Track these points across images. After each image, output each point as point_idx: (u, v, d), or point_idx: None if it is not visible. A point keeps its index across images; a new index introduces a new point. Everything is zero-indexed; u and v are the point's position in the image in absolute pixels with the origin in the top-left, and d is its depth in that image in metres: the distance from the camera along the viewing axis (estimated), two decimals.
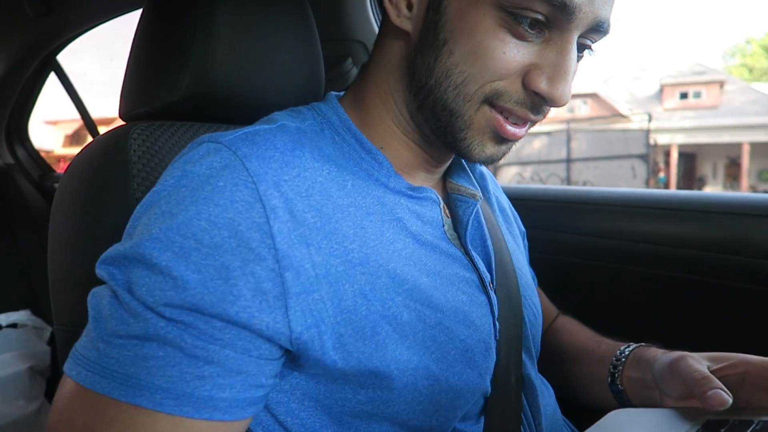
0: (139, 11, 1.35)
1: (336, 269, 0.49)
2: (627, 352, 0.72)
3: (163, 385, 0.42)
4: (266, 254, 0.45)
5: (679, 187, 17.15)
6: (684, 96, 18.44)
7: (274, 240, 0.46)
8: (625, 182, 12.88)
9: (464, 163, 0.70)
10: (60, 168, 2.27)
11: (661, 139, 16.70)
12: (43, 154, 2.20)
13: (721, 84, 18.11)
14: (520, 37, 0.50)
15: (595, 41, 0.55)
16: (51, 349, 1.69)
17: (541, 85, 0.51)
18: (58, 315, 0.64)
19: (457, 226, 0.62)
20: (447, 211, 0.63)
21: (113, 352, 0.43)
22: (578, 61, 0.55)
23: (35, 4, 1.35)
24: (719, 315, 1.00)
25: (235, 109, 0.72)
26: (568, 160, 13.62)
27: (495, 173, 14.93)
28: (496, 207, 0.77)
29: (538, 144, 14.39)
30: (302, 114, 0.60)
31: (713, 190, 17.75)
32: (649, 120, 13.60)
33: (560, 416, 0.72)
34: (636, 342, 0.74)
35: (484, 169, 0.81)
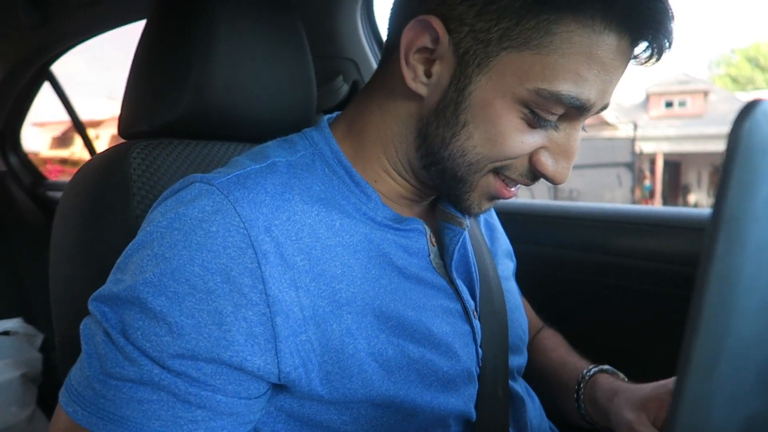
0: (132, 24, 1.37)
1: (323, 310, 0.50)
2: (587, 377, 0.75)
3: (157, 428, 0.45)
4: (258, 299, 0.47)
5: (664, 195, 17.30)
6: (669, 105, 18.64)
7: (265, 285, 0.47)
8: (610, 190, 12.99)
9: None
10: (46, 170, 2.27)
11: (647, 148, 16.85)
12: (30, 156, 2.21)
13: (706, 93, 18.33)
14: (536, 127, 0.53)
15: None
16: (43, 357, 1.70)
17: (548, 166, 0.55)
18: (60, 327, 0.66)
19: (444, 254, 0.64)
20: (434, 239, 0.64)
21: (109, 393, 0.45)
22: None
23: (32, 15, 1.37)
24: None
25: (231, 127, 0.74)
26: None
27: None
28: (484, 230, 0.79)
29: None
30: (294, 145, 0.61)
31: (698, 198, 17.94)
32: (635, 128, 13.75)
33: (546, 424, 0.75)
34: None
35: None
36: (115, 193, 0.65)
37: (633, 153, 13.28)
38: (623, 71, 0.53)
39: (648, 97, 19.18)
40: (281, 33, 0.76)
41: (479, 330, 0.64)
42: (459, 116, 0.53)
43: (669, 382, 0.65)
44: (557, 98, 0.50)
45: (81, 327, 0.49)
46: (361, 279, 0.54)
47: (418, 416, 0.55)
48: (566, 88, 0.50)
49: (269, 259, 0.48)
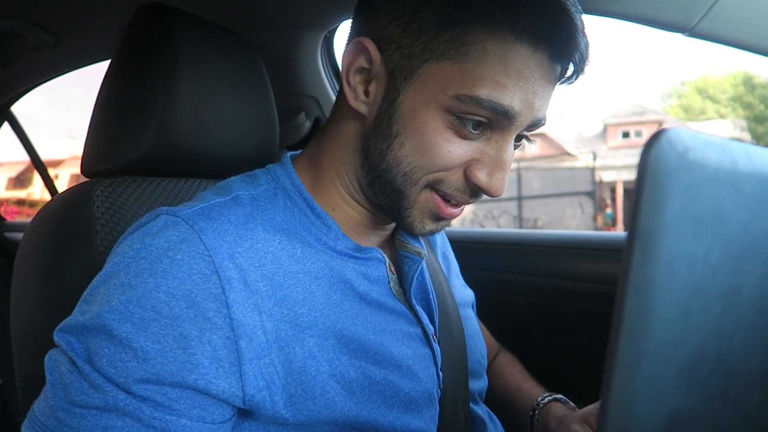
0: (93, 65, 1.38)
1: (286, 333, 0.52)
2: (541, 405, 0.79)
3: None
4: (222, 323, 0.48)
5: (625, 223, 17.70)
6: (626, 135, 19.28)
7: (229, 309, 0.49)
8: (573, 219, 13.28)
9: None
10: (2, 211, 2.22)
11: (607, 176, 17.32)
12: None
13: (660, 123, 19.05)
14: (464, 136, 0.56)
15: (532, 131, 0.61)
16: (0, 402, 1.64)
17: (481, 178, 0.57)
18: (21, 366, 0.65)
19: (403, 282, 0.66)
20: (393, 268, 0.67)
21: (73, 421, 0.45)
22: (515, 149, 0.61)
23: None
24: None
25: (195, 164, 0.76)
26: (519, 198, 13.98)
27: None
28: (441, 261, 0.82)
29: None
30: (257, 179, 0.63)
31: None
32: (594, 158, 14.16)
33: None
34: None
35: None
36: (78, 230, 0.65)
37: (594, 182, 13.64)
38: (549, 85, 0.56)
39: (606, 128, 19.81)
40: (243, 72, 0.79)
41: (439, 354, 0.66)
42: (392, 128, 0.57)
43: None
44: (477, 102, 0.53)
45: (45, 359, 0.50)
46: (322, 304, 0.56)
47: None
48: (485, 93, 0.53)
49: (233, 285, 0.50)
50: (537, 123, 0.58)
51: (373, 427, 0.55)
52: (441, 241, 0.88)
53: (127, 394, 0.46)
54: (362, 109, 0.59)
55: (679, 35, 0.82)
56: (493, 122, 0.56)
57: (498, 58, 0.52)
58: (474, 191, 0.59)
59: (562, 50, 0.54)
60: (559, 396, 0.81)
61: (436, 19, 0.53)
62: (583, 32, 0.55)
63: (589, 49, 0.56)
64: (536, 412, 0.78)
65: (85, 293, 0.52)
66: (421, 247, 0.69)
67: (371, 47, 0.57)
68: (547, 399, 0.79)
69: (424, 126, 0.55)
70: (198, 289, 0.48)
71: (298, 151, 0.70)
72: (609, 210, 17.20)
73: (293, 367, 0.52)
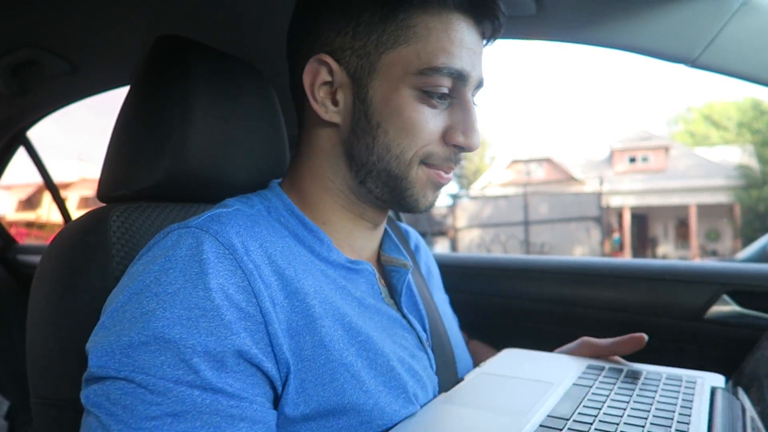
0: (110, 91, 1.41)
1: (297, 324, 0.55)
2: None
3: None
4: (254, 312, 0.52)
5: (633, 248, 17.63)
6: (633, 160, 19.30)
7: (257, 299, 0.53)
8: (580, 243, 13.22)
9: (394, 239, 0.78)
10: (12, 233, 2.24)
11: (614, 202, 17.31)
12: None
13: (667, 149, 19.08)
14: (433, 107, 0.62)
15: (476, 95, 0.68)
16: (8, 425, 1.64)
17: (460, 139, 0.63)
18: (35, 388, 0.66)
19: (393, 293, 0.71)
20: (382, 281, 0.71)
21: None
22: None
23: (10, 86, 1.39)
24: None
25: (208, 191, 0.77)
26: (527, 223, 13.95)
27: (456, 236, 15.02)
28: (425, 275, 0.87)
29: (497, 207, 14.74)
30: (250, 200, 0.67)
31: (665, 249, 18.33)
32: (601, 183, 14.16)
33: None
34: None
35: (419, 242, 0.92)
36: (95, 255, 0.66)
37: (600, 207, 13.62)
38: (480, 46, 0.65)
39: (612, 153, 19.84)
40: (255, 101, 0.81)
41: (433, 359, 0.69)
42: (371, 121, 0.63)
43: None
44: (438, 71, 0.60)
45: (83, 398, 0.49)
46: (330, 298, 0.59)
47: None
48: (441, 62, 0.60)
49: (255, 277, 0.54)
50: (480, 84, 0.66)
51: (379, 415, 0.57)
52: (425, 254, 0.93)
53: (201, 390, 0.47)
54: (335, 118, 0.64)
55: (682, 66, 0.84)
56: (452, 90, 0.63)
57: (440, 32, 0.60)
58: (456, 156, 0.65)
59: (486, 12, 0.63)
60: None
61: (378, 16, 0.61)
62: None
63: (503, 7, 0.64)
64: None
65: (108, 317, 0.52)
66: (405, 259, 0.73)
67: (330, 60, 0.62)
68: None
69: (399, 108, 0.61)
70: (228, 283, 0.52)
71: (279, 180, 0.74)
72: (616, 235, 17.15)
73: (303, 354, 0.55)
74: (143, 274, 0.52)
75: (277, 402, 0.54)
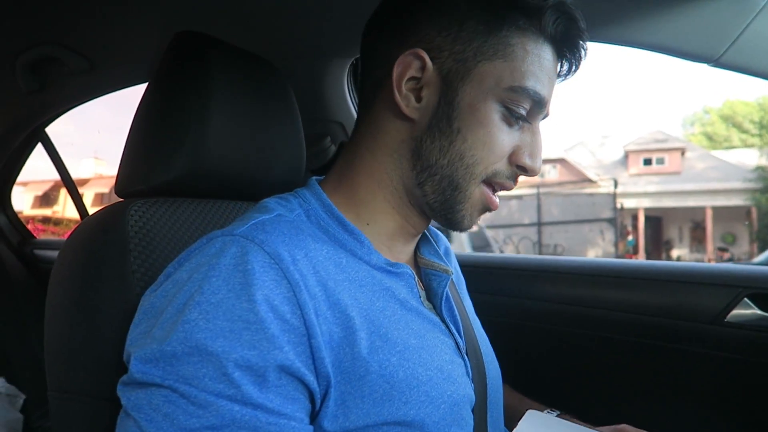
0: (126, 89, 1.42)
1: (338, 336, 0.54)
2: None
3: None
4: (298, 324, 0.51)
5: (647, 250, 17.48)
6: (648, 162, 19.12)
7: (302, 311, 0.52)
8: (594, 245, 13.13)
9: (432, 242, 0.78)
10: (30, 229, 2.27)
11: (628, 203, 17.16)
12: None
13: (683, 151, 18.88)
14: (509, 125, 0.64)
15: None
16: (24, 418, 1.66)
17: (526, 161, 0.65)
18: (53, 382, 0.67)
19: (431, 297, 0.70)
20: (421, 284, 0.70)
21: None
22: None
23: (29, 83, 1.41)
24: (665, 376, 1.06)
25: (225, 187, 0.78)
26: (539, 224, 13.89)
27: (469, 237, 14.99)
28: (455, 280, 0.86)
29: (510, 208, 14.68)
30: (289, 203, 0.66)
31: (680, 252, 18.15)
32: (615, 185, 14.05)
33: None
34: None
35: (447, 246, 0.91)
36: (112, 249, 0.66)
37: (615, 209, 13.52)
38: (555, 80, 0.67)
39: (627, 155, 19.68)
40: (273, 99, 0.81)
41: (469, 366, 0.68)
42: (453, 124, 0.63)
43: (610, 428, 0.75)
44: (526, 93, 0.62)
45: (124, 400, 0.50)
46: (368, 309, 0.58)
47: None
48: (530, 84, 0.62)
49: (300, 288, 0.53)
50: (547, 114, 0.68)
51: (420, 425, 0.56)
52: (453, 259, 0.92)
53: (241, 404, 0.47)
54: (414, 114, 0.64)
55: (704, 65, 0.83)
56: (528, 113, 0.64)
57: (534, 56, 0.62)
58: (516, 176, 0.67)
59: (571, 51, 0.65)
60: (554, 410, 0.84)
61: (483, 27, 0.62)
62: (586, 36, 0.65)
63: (586, 54, 0.67)
64: None
65: (151, 322, 0.52)
66: (446, 264, 0.72)
67: (425, 56, 0.62)
68: (555, 414, 0.83)
69: (484, 118, 0.62)
70: (273, 294, 0.51)
71: (321, 177, 0.73)
72: (630, 237, 17.00)
73: (343, 367, 0.54)
74: (188, 284, 0.52)
75: (314, 416, 0.53)
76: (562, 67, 0.67)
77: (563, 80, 0.69)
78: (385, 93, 0.65)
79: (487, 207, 0.67)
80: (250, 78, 0.78)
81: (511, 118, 0.63)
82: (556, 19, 0.62)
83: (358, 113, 0.72)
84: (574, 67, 0.67)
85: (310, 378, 0.51)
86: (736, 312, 1.02)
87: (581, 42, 0.65)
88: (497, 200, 0.67)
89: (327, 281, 0.57)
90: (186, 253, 0.58)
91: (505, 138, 0.63)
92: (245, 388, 0.47)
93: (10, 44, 1.28)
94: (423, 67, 0.63)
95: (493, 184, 0.66)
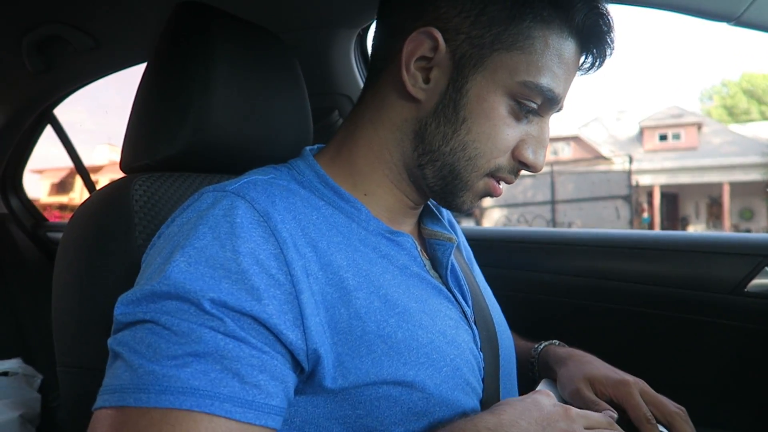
0: (134, 67, 1.41)
1: (332, 296, 0.54)
2: (539, 350, 0.86)
3: (228, 394, 0.45)
4: (284, 280, 0.51)
5: (663, 227, 17.33)
6: (663, 138, 18.88)
7: (289, 267, 0.51)
8: (609, 223, 13.04)
9: (434, 210, 0.76)
10: (45, 216, 2.29)
11: (644, 180, 16.99)
12: None
13: (699, 126, 18.59)
14: (517, 119, 0.61)
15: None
16: (41, 397, 1.69)
17: (529, 156, 0.63)
18: (61, 356, 0.67)
19: (437, 266, 0.68)
20: (424, 253, 0.69)
21: (170, 371, 0.45)
22: None
23: (35, 63, 1.40)
24: (684, 347, 1.05)
25: (230, 161, 0.77)
26: (553, 202, 13.80)
27: (482, 215, 14.94)
28: (462, 250, 0.84)
29: (523, 186, 14.60)
30: (282, 172, 0.65)
31: (697, 229, 17.98)
32: (630, 161, 13.90)
33: None
34: None
35: (450, 217, 0.89)
36: (117, 223, 0.66)
37: (630, 186, 13.39)
38: (575, 74, 0.65)
39: (642, 131, 19.43)
40: (278, 71, 0.79)
41: (478, 336, 0.67)
42: (459, 113, 0.61)
43: (615, 375, 0.74)
44: (539, 90, 0.60)
45: (109, 342, 0.50)
46: (366, 271, 0.58)
47: (428, 405, 0.56)
48: (545, 81, 0.59)
49: (288, 246, 0.53)
50: (561, 108, 0.66)
51: (420, 387, 0.55)
52: (458, 230, 0.90)
53: (223, 335, 0.46)
54: (420, 95, 0.62)
55: (724, 25, 0.79)
56: (540, 107, 0.62)
57: (555, 51, 0.60)
58: (518, 170, 0.65)
59: (598, 47, 0.63)
60: (554, 341, 0.86)
61: (506, 14, 0.58)
62: (614, 32, 0.63)
63: (612, 51, 0.64)
64: (535, 358, 0.84)
65: (143, 268, 0.54)
66: (450, 233, 0.71)
67: (439, 36, 0.60)
68: (543, 345, 0.86)
69: (491, 111, 0.60)
70: (260, 249, 0.51)
71: (316, 146, 0.72)
72: (646, 214, 16.86)
73: (339, 327, 0.53)
74: (177, 236, 0.53)
75: (311, 375, 0.53)
76: (585, 60, 0.64)
77: (584, 74, 0.66)
78: (394, 67, 0.63)
79: (490, 194, 0.66)
80: (254, 49, 0.76)
81: (520, 112, 0.61)
82: (586, 13, 0.59)
83: (365, 81, 0.70)
84: (598, 63, 0.64)
85: (292, 336, 0.50)
86: (756, 282, 1.00)
87: (609, 38, 0.62)
88: (501, 188, 0.66)
89: (318, 242, 0.56)
90: (178, 210, 0.58)
91: (510, 132, 0.61)
92: (228, 323, 0.47)
93: (15, 25, 1.27)
94: (435, 48, 0.60)
95: (494, 177, 0.64)
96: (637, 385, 0.72)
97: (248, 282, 0.49)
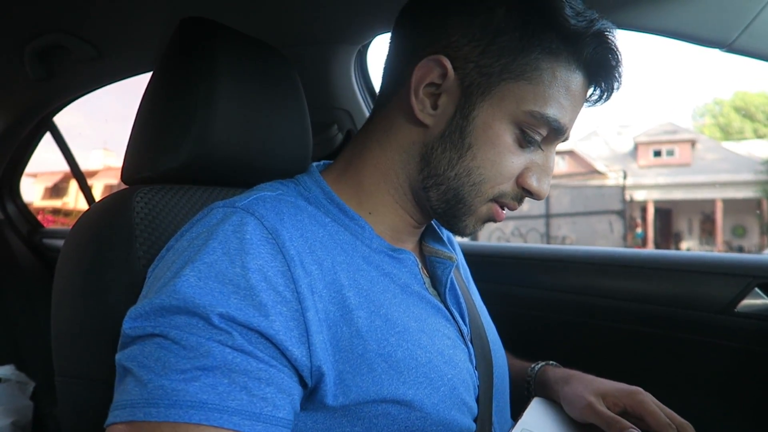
0: (135, 77, 1.42)
1: (334, 315, 0.55)
2: (536, 370, 0.84)
3: (236, 407, 0.46)
4: (291, 297, 0.52)
5: (656, 242, 17.38)
6: (658, 154, 18.97)
7: (296, 285, 0.52)
8: (603, 237, 13.05)
9: (436, 230, 0.78)
10: (40, 221, 2.29)
11: (638, 195, 17.05)
12: None
13: (693, 142, 18.71)
14: (522, 147, 0.63)
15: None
16: (33, 405, 1.68)
17: (533, 184, 0.64)
18: (60, 366, 0.67)
19: (436, 284, 0.70)
20: (425, 271, 0.70)
21: (179, 386, 0.45)
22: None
23: (37, 70, 1.41)
24: (675, 366, 1.06)
25: (231, 174, 0.77)
26: (547, 216, 13.82)
27: None
28: (460, 268, 0.85)
29: None
30: (289, 188, 0.67)
31: (689, 245, 18.03)
32: (625, 177, 13.95)
33: None
34: None
35: (450, 235, 0.90)
36: (118, 235, 0.66)
37: (623, 201, 13.42)
38: (582, 105, 0.66)
39: (636, 146, 19.53)
40: (279, 85, 0.80)
41: (473, 354, 0.68)
42: (465, 139, 0.62)
43: (625, 386, 0.74)
44: (545, 120, 0.61)
45: (117, 357, 0.50)
46: (367, 291, 0.59)
47: (425, 424, 0.57)
48: (552, 112, 0.61)
49: (296, 264, 0.54)
50: (567, 138, 0.67)
51: (419, 407, 0.56)
52: (457, 247, 0.92)
53: (232, 349, 0.47)
54: (428, 120, 0.63)
55: (717, 51, 0.81)
56: (546, 137, 0.63)
57: (563, 83, 0.61)
58: (522, 197, 0.66)
59: (606, 81, 0.64)
60: (550, 362, 0.86)
61: (515, 44, 0.60)
62: (623, 66, 0.64)
63: (620, 84, 0.65)
64: (532, 377, 0.84)
65: (150, 281, 0.54)
66: (451, 252, 0.72)
67: (448, 64, 0.61)
68: (540, 365, 0.86)
69: (497, 139, 0.61)
70: (268, 265, 0.52)
71: (322, 162, 0.74)
72: (639, 229, 16.91)
73: (341, 345, 0.54)
74: (187, 250, 0.53)
75: (314, 392, 0.53)
76: (593, 93, 0.66)
77: (592, 106, 0.67)
78: (403, 91, 0.64)
79: (493, 219, 0.67)
80: (257, 64, 0.77)
81: (525, 141, 0.62)
82: (595, 47, 0.60)
83: (375, 102, 0.71)
84: (606, 95, 0.66)
85: (297, 353, 0.50)
86: (746, 302, 1.01)
87: (617, 72, 0.63)
88: (504, 214, 0.67)
89: (324, 260, 0.57)
90: (188, 225, 0.59)
91: (515, 160, 0.62)
92: (236, 337, 0.48)
93: (18, 33, 1.28)
94: (444, 75, 0.62)
95: (498, 202, 0.65)
96: (647, 394, 0.73)
97: (256, 298, 0.50)
